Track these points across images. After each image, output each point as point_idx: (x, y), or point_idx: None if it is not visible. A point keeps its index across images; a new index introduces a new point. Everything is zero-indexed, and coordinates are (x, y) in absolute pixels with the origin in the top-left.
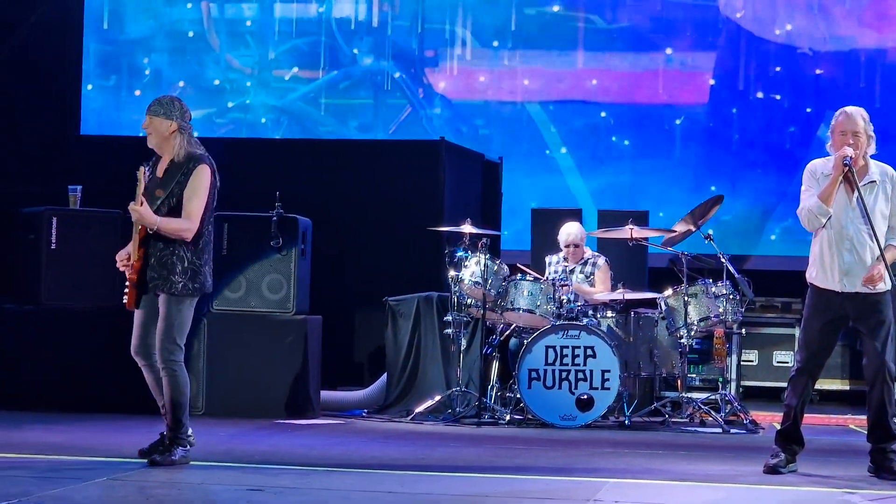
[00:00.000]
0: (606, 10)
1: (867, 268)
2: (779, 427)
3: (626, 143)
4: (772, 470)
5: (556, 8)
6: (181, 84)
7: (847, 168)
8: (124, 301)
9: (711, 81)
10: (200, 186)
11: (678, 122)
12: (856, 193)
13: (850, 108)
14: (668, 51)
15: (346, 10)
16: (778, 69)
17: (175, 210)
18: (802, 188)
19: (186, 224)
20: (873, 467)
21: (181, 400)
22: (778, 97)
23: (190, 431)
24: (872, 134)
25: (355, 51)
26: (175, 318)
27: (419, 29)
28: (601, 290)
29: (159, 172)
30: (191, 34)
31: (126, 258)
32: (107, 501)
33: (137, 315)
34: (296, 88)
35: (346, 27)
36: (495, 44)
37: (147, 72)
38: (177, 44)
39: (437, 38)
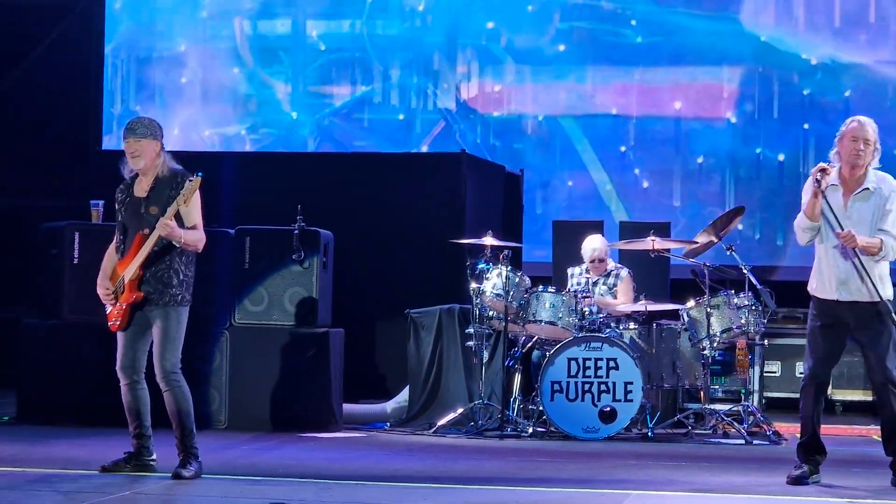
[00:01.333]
0: (640, 25)
1: (863, 275)
2: (799, 440)
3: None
4: (796, 481)
5: (589, 23)
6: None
7: (819, 188)
8: (113, 323)
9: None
10: (197, 200)
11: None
12: (850, 202)
13: (862, 118)
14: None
15: (380, 26)
16: (806, 92)
17: (177, 223)
18: (802, 200)
19: (201, 235)
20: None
21: (189, 409)
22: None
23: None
24: (879, 147)
25: (389, 66)
26: (176, 330)
27: (453, 44)
28: (623, 302)
29: (141, 192)
30: (223, 50)
31: (110, 287)
32: None
33: (127, 335)
34: (329, 104)
35: (379, 43)
36: (529, 59)
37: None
38: (208, 61)
39: (471, 54)
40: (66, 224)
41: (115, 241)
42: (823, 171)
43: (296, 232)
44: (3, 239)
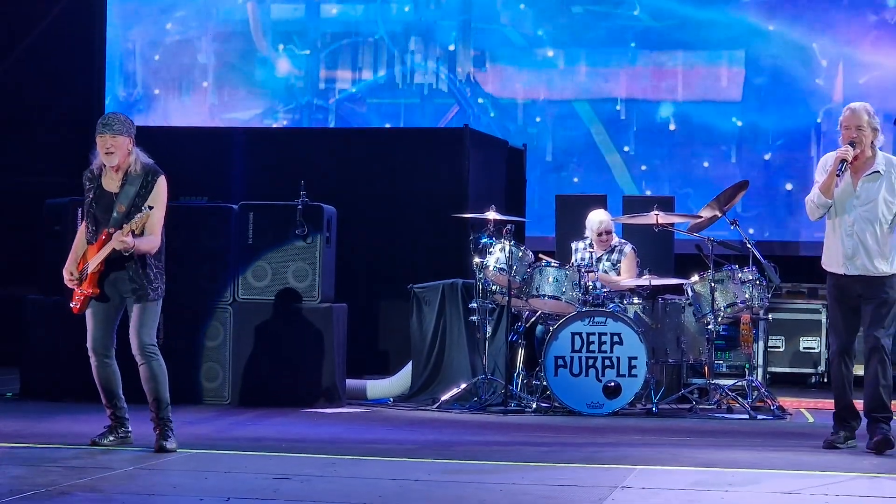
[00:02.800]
0: (654, 7)
1: (869, 252)
2: (834, 410)
3: (676, 138)
4: (830, 445)
5: (603, 6)
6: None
7: (842, 168)
8: (73, 306)
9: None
10: (162, 199)
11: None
12: (860, 182)
13: (854, 104)
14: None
15: (394, 11)
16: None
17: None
18: (815, 179)
19: (155, 241)
20: (869, 436)
21: (165, 381)
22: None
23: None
24: (878, 126)
25: (402, 50)
26: (154, 317)
27: (467, 28)
28: (627, 278)
29: (111, 186)
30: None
31: (76, 271)
32: (134, 490)
33: (94, 312)
34: (343, 89)
35: (393, 28)
36: (543, 43)
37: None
38: (222, 45)
39: (485, 38)
40: (69, 200)
41: (85, 226)
42: (845, 159)
43: (299, 207)
44: (6, 216)
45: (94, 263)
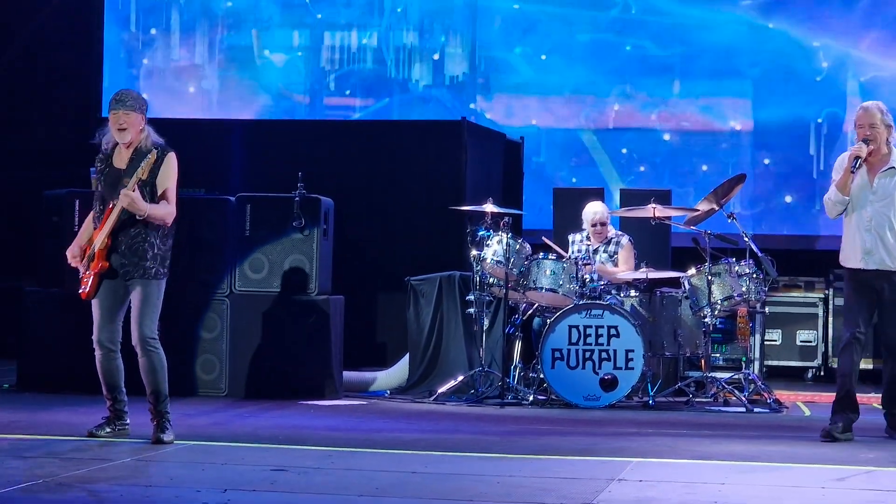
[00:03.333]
0: (656, 37)
1: (887, 247)
2: (835, 396)
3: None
4: (827, 435)
5: (606, 35)
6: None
7: (856, 165)
8: (82, 290)
9: None
10: (173, 173)
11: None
12: (876, 179)
13: (867, 103)
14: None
15: (399, 38)
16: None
17: (152, 197)
18: (832, 177)
19: (171, 209)
20: (888, 427)
21: (164, 375)
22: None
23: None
24: (891, 123)
25: (407, 77)
26: (156, 297)
27: (472, 56)
28: (624, 270)
29: (120, 163)
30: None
31: (79, 253)
32: (132, 482)
33: (100, 303)
34: (348, 115)
35: (398, 54)
36: (547, 70)
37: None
38: (227, 71)
39: (490, 65)
40: (67, 192)
41: (93, 210)
42: (859, 155)
43: (296, 199)
44: (4, 208)
45: (100, 239)
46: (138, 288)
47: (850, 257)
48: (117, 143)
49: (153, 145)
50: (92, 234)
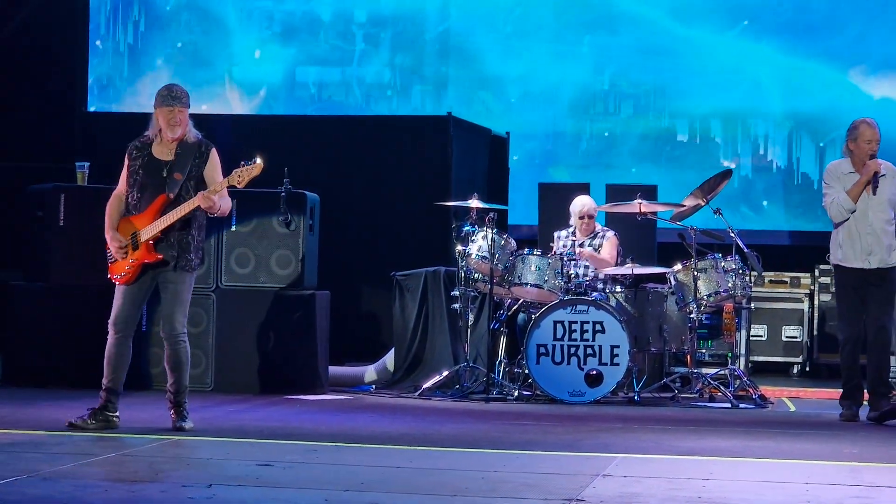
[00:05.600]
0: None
1: (883, 247)
2: (843, 388)
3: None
4: (850, 418)
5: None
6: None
7: (877, 181)
8: (120, 276)
9: None
10: (219, 168)
11: None
12: (871, 190)
13: (870, 120)
14: None
15: (371, 74)
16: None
17: (196, 190)
18: (825, 186)
19: (229, 202)
20: (871, 409)
21: (188, 368)
22: None
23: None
24: None
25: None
26: (188, 292)
27: (443, 93)
28: (606, 260)
29: (164, 155)
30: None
31: (123, 241)
32: (116, 477)
33: (131, 290)
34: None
35: (370, 90)
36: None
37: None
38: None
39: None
40: (52, 186)
41: (127, 196)
42: (877, 171)
43: (282, 194)
44: None
45: (152, 231)
46: (172, 282)
47: (851, 257)
48: (158, 134)
49: (195, 138)
50: (125, 219)
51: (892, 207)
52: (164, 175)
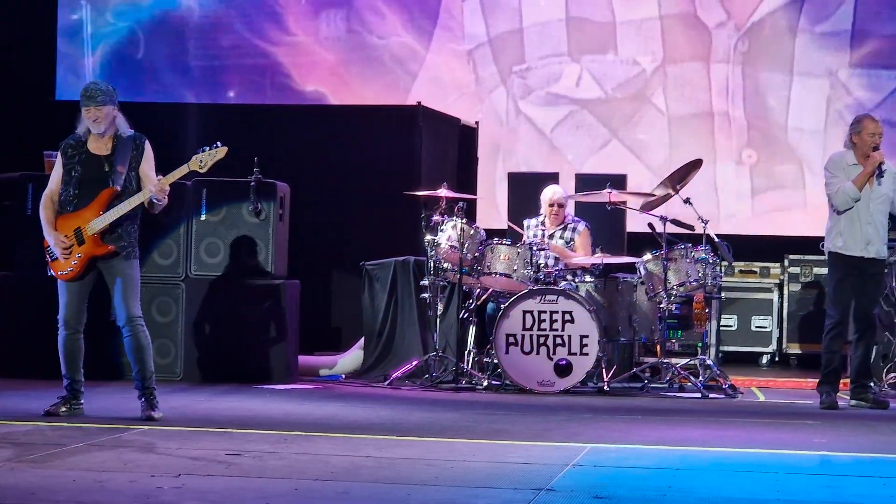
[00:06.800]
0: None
1: (881, 238)
2: (824, 372)
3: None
4: (830, 406)
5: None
6: None
7: (882, 171)
8: (65, 273)
9: None
10: (153, 162)
11: None
12: (874, 180)
13: (872, 115)
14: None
15: None
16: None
17: (137, 182)
18: (828, 175)
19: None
20: (851, 398)
21: (150, 351)
22: None
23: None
24: None
25: None
26: (137, 282)
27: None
28: (581, 255)
29: (101, 150)
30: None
31: (66, 240)
32: (85, 467)
33: (77, 286)
34: None
35: None
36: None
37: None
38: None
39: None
40: (20, 175)
41: (61, 194)
42: (882, 162)
43: (252, 184)
44: None
45: (99, 224)
46: (124, 268)
47: (852, 246)
48: (89, 131)
49: (130, 133)
50: (60, 217)
51: (890, 203)
52: (107, 169)
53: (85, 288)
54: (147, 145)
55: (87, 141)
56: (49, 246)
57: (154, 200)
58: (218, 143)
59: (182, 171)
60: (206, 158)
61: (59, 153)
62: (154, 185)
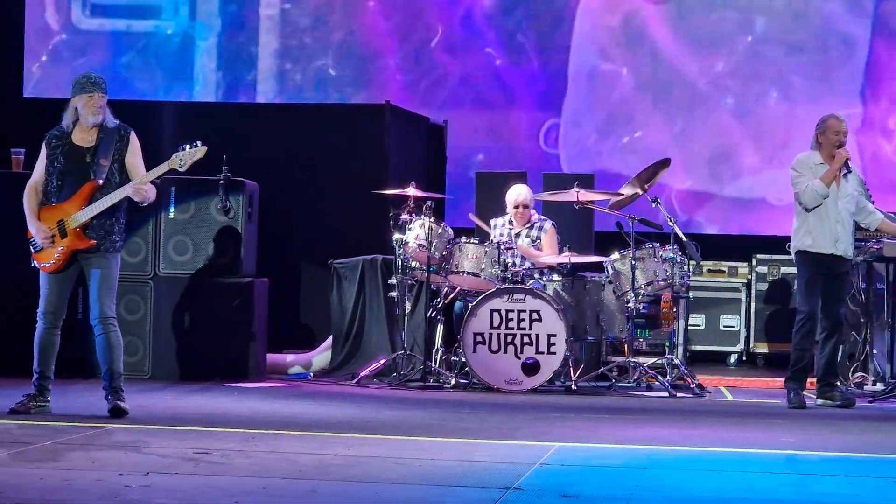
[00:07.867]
0: None
1: (848, 236)
2: (793, 368)
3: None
4: (800, 405)
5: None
6: None
7: (848, 169)
8: (48, 265)
9: None
10: (140, 153)
11: None
12: (843, 178)
13: (839, 114)
14: None
15: None
16: None
17: (121, 174)
18: (795, 175)
19: (154, 191)
20: (818, 397)
21: (121, 353)
22: None
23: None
24: None
25: None
26: (115, 276)
27: None
28: (548, 254)
29: (85, 142)
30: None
31: (49, 231)
32: (52, 466)
33: (59, 278)
34: None
35: None
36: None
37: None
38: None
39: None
40: None
41: (46, 185)
42: (849, 159)
43: (221, 182)
44: None
45: (81, 218)
46: (103, 264)
47: (821, 244)
48: (76, 122)
49: (113, 124)
50: (45, 208)
51: (855, 203)
52: (89, 161)
53: (67, 282)
54: (132, 136)
55: (71, 132)
56: (32, 237)
57: (133, 199)
58: (198, 142)
59: (162, 168)
60: (186, 157)
61: (43, 144)
62: (131, 186)
